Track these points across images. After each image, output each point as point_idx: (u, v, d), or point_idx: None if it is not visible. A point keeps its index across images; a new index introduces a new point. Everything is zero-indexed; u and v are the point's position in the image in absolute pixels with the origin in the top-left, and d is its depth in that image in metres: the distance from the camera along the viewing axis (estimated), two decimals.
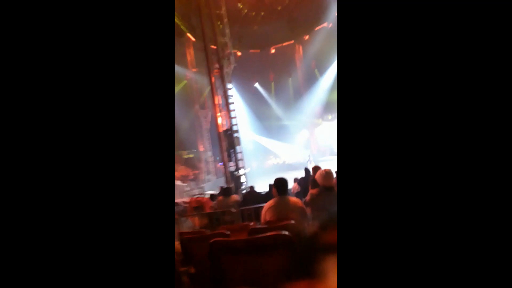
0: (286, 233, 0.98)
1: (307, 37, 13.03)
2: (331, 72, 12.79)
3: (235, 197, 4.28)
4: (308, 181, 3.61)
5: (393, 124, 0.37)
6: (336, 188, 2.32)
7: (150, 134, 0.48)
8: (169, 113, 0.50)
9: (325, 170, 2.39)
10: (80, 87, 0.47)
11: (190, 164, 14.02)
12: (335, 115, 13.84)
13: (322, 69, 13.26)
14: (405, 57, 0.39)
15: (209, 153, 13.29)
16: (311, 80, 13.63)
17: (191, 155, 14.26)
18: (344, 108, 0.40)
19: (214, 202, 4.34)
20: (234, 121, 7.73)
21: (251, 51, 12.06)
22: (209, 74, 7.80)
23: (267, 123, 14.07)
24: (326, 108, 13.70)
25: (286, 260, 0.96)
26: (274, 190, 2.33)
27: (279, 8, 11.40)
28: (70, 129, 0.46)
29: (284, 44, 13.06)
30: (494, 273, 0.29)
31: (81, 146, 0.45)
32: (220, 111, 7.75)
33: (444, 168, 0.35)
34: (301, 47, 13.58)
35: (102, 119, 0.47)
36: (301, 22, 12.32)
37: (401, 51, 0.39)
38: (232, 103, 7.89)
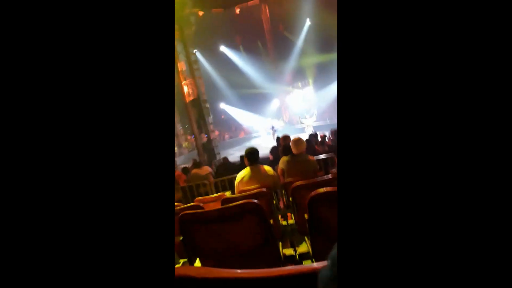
0: (254, 201, 1.01)
1: None
2: (300, 35, 12.46)
3: (207, 168, 4.29)
4: (278, 149, 3.71)
5: (396, 121, 0.37)
6: (304, 154, 2.44)
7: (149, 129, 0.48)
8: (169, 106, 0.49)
9: (295, 139, 2.49)
10: (78, 82, 0.47)
11: None
12: (304, 81, 13.87)
13: (292, 32, 12.80)
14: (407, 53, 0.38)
15: (178, 126, 12.74)
16: (280, 43, 13.17)
17: None
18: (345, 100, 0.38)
19: (188, 175, 4.31)
20: (202, 90, 7.33)
21: (214, 10, 10.97)
22: None
23: (237, 91, 13.66)
24: (296, 74, 13.59)
25: (254, 225, 1.00)
26: (245, 159, 2.36)
27: None
28: (65, 121, 0.45)
29: (249, 4, 12.09)
30: (495, 273, 0.30)
31: (76, 146, 0.45)
32: (185, 79, 7.21)
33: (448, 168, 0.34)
34: (267, 8, 12.79)
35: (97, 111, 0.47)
36: None
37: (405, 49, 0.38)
38: (198, 69, 7.39)
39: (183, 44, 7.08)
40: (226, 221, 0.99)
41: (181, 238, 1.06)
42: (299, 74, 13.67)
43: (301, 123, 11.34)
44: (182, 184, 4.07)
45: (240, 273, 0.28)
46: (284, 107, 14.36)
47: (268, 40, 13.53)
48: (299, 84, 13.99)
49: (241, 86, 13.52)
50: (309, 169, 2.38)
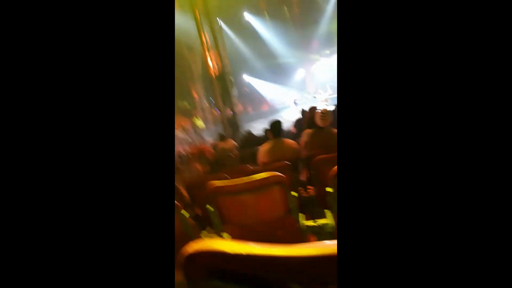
0: (279, 173, 1.03)
1: None
2: None
3: (232, 142, 4.40)
4: (303, 122, 3.63)
5: (397, 118, 0.35)
6: (329, 128, 2.36)
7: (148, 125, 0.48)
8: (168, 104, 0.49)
9: (321, 111, 2.39)
10: (79, 84, 0.46)
11: (187, 113, 13.86)
12: (334, 49, 12.86)
13: None
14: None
15: (204, 100, 12.95)
16: (308, 7, 12.08)
17: (186, 105, 13.95)
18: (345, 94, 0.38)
19: (214, 148, 4.48)
20: (225, 62, 7.21)
21: None
22: (193, 8, 6.90)
23: (262, 61, 13.17)
24: (324, 41, 12.58)
25: (278, 197, 1.04)
26: (269, 132, 2.37)
27: None
28: (65, 118, 0.45)
29: None
30: (495, 274, 0.30)
31: (75, 149, 0.45)
32: (209, 51, 7.10)
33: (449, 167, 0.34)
34: None
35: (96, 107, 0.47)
36: None
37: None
38: (222, 39, 7.23)
39: (206, 13, 6.86)
40: (252, 192, 1.03)
41: (208, 207, 1.15)
42: (327, 41, 12.64)
43: (315, 97, 10.74)
44: (208, 157, 4.25)
45: (276, 249, 0.27)
46: (309, 78, 13.65)
47: (295, 4, 12.46)
48: (327, 51, 13.00)
49: (266, 55, 12.96)
50: (333, 143, 2.32)
